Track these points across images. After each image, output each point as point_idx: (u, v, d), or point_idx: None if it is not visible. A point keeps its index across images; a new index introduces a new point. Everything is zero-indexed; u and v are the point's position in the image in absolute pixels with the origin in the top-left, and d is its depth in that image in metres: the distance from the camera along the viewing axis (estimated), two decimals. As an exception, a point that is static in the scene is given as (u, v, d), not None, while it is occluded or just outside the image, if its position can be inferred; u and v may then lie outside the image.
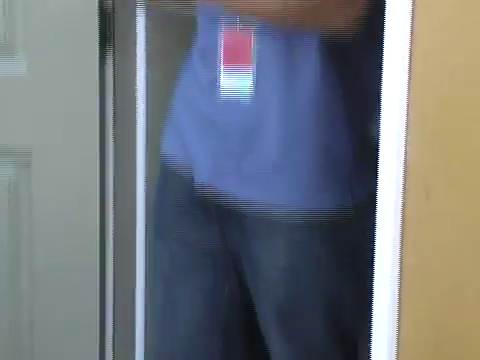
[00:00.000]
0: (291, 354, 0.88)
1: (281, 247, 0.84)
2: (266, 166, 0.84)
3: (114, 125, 1.31)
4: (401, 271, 0.68)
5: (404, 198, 0.67)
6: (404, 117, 0.71)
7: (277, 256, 0.84)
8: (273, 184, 0.84)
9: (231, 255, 0.89)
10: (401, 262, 0.68)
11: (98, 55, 1.28)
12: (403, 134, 0.69)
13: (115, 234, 1.32)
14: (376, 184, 0.66)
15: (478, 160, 0.63)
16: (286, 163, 0.83)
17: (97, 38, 1.28)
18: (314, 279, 0.83)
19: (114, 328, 1.32)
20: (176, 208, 0.92)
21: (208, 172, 0.86)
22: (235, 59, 0.82)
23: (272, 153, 0.83)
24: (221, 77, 0.83)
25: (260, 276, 0.86)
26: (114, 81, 1.30)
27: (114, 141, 1.32)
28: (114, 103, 1.31)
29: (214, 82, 0.84)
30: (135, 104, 1.27)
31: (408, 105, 0.73)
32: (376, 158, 0.60)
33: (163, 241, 0.95)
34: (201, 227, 0.90)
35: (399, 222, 0.67)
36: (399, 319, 0.68)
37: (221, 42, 0.82)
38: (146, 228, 1.24)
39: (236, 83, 0.82)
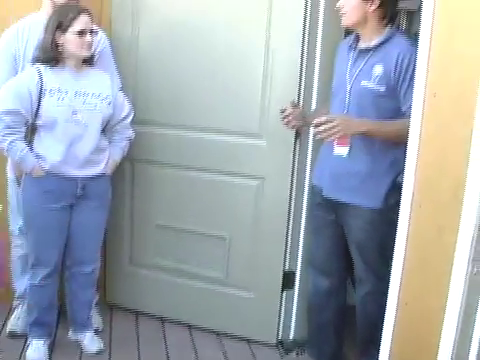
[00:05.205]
0: (364, 264, 2.11)
1: (360, 221, 2.06)
2: (354, 187, 2.06)
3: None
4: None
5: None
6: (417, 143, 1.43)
7: (357, 224, 2.07)
8: (356, 196, 2.05)
9: (338, 223, 2.16)
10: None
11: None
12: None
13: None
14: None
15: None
16: (362, 188, 2.04)
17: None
18: (373, 235, 2.03)
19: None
20: (315, 203, 2.26)
21: (329, 189, 2.14)
22: (342, 142, 2.03)
23: (356, 182, 2.05)
24: (335, 148, 2.07)
25: (351, 231, 2.12)
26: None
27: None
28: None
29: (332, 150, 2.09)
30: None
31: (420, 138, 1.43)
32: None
33: (311, 214, 2.35)
34: (327, 212, 2.19)
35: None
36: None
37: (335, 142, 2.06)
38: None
39: (341, 150, 2.05)
